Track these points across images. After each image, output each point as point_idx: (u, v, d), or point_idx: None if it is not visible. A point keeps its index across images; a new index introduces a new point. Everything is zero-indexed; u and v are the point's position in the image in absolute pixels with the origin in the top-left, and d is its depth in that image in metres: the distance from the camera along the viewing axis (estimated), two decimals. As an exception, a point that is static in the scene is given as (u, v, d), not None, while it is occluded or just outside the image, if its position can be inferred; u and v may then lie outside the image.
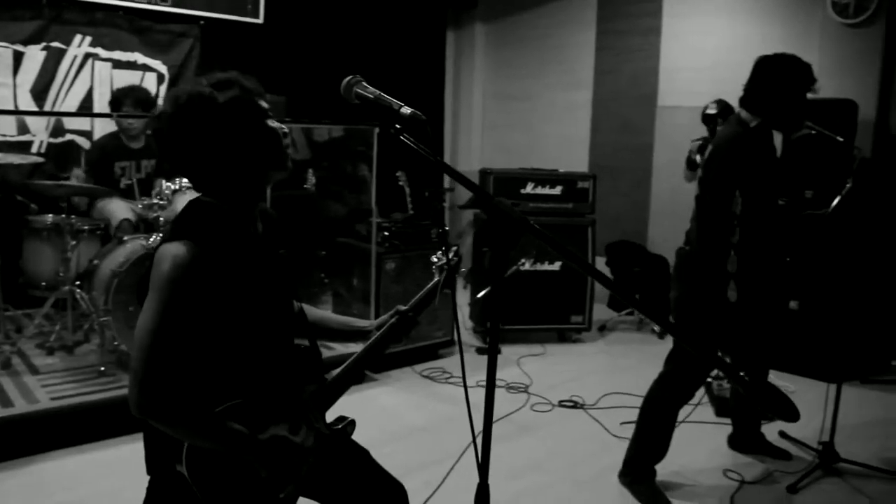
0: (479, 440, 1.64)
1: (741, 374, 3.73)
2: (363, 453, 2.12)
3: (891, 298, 5.35)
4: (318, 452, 1.88)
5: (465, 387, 1.83)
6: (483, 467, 1.59)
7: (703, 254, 3.21)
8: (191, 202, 1.80)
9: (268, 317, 1.84)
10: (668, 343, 5.88)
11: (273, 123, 1.81)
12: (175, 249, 1.63)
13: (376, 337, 2.05)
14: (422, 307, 2.11)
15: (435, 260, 2.17)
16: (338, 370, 1.99)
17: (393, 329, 2.06)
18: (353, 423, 2.01)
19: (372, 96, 1.66)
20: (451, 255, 2.13)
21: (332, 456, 1.99)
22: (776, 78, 3.13)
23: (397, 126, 1.61)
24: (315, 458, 1.86)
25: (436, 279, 2.14)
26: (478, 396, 4.60)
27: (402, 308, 2.09)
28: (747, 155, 3.10)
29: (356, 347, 2.09)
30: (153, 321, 1.60)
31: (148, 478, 1.85)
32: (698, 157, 5.39)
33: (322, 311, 2.24)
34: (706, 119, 5.46)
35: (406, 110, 1.59)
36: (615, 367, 5.36)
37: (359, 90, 1.69)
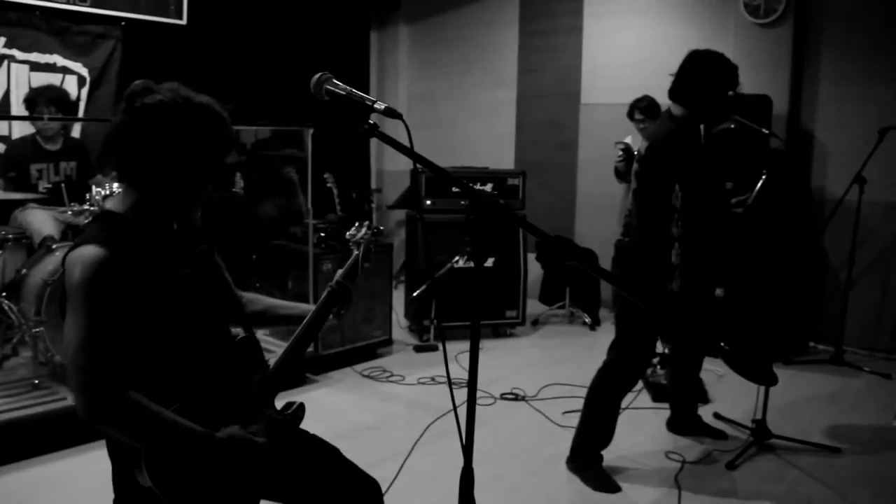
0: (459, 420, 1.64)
1: (722, 345, 3.89)
2: (333, 451, 2.12)
3: (805, 283, 5.66)
4: (274, 439, 1.87)
5: (450, 382, 1.84)
6: (467, 450, 1.63)
7: (645, 247, 3.32)
8: (97, 216, 1.83)
9: (195, 314, 1.83)
10: (599, 334, 6.08)
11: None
12: (83, 252, 1.63)
13: (314, 310, 2.06)
14: (350, 277, 2.12)
15: (349, 236, 2.21)
16: (279, 354, 1.99)
17: (329, 299, 2.06)
18: (302, 407, 2.00)
19: (343, 92, 1.68)
20: (364, 230, 2.19)
21: (299, 456, 1.99)
22: (703, 72, 3.28)
23: (370, 122, 1.63)
24: (272, 446, 1.85)
25: (355, 253, 2.17)
26: (419, 394, 4.68)
27: (333, 282, 2.10)
28: (683, 149, 3.23)
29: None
30: (79, 327, 1.59)
31: (97, 493, 1.82)
32: (623, 165, 5.60)
33: (270, 299, 2.23)
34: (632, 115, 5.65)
35: (380, 105, 1.62)
36: (551, 359, 5.48)
37: (329, 87, 1.70)
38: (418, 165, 1.62)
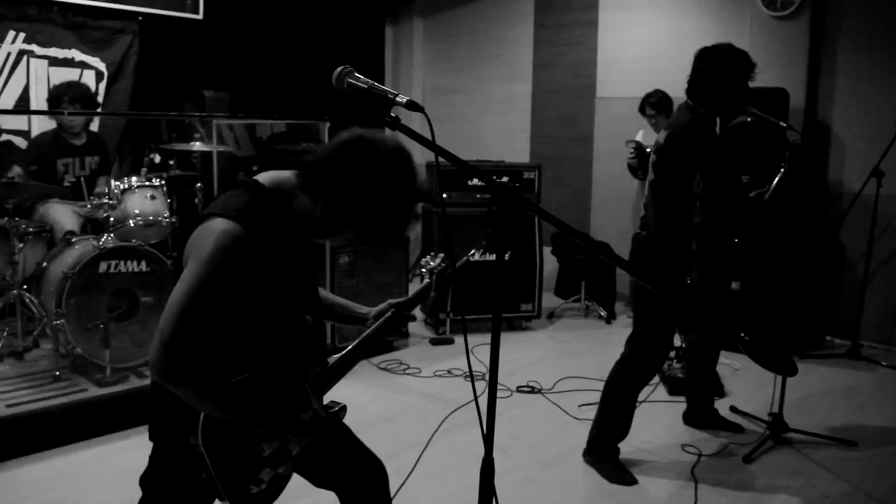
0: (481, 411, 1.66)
1: (742, 336, 3.89)
2: (345, 430, 2.16)
3: (822, 277, 5.64)
4: (315, 433, 1.91)
5: (471, 372, 1.86)
6: (488, 440, 1.64)
7: (663, 236, 3.32)
8: (246, 184, 1.80)
9: (292, 301, 1.90)
10: (614, 328, 6.08)
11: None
12: (223, 226, 1.65)
13: (373, 328, 2.12)
14: (414, 304, 2.19)
15: (423, 262, 2.27)
16: (337, 356, 2.04)
17: (388, 323, 2.13)
18: (344, 409, 2.07)
19: (365, 86, 1.69)
20: (438, 260, 2.25)
21: (325, 438, 2.03)
22: (716, 67, 3.26)
23: (392, 115, 1.65)
24: (312, 438, 1.91)
25: (426, 281, 2.23)
26: (435, 387, 4.70)
27: (396, 302, 2.17)
28: (703, 138, 3.23)
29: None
30: (189, 290, 1.61)
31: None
32: (636, 161, 5.59)
33: (326, 292, 2.28)
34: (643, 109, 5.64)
35: (402, 98, 1.63)
36: (566, 352, 5.49)
37: (351, 80, 1.71)
38: (439, 158, 1.63)
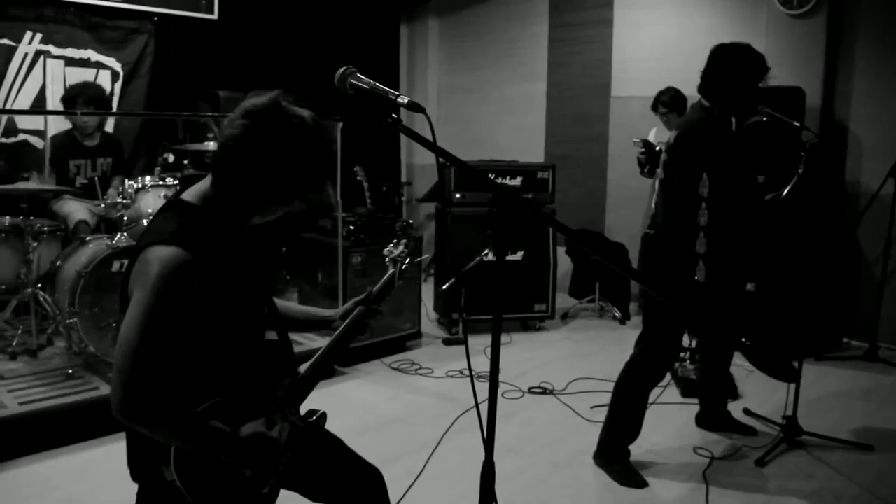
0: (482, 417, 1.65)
1: (743, 341, 3.85)
2: (336, 442, 2.13)
3: (839, 278, 5.57)
4: (295, 446, 1.88)
5: (471, 375, 1.84)
6: (488, 444, 1.63)
7: (670, 236, 3.29)
8: (174, 205, 1.79)
9: (248, 316, 1.85)
10: (629, 328, 6.04)
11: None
12: (165, 253, 1.61)
13: (342, 329, 2.07)
14: (382, 297, 2.15)
15: (386, 252, 2.23)
16: (308, 363, 1.99)
17: (358, 321, 2.09)
18: (324, 416, 2.01)
19: (367, 86, 1.69)
20: (402, 248, 2.21)
21: (308, 448, 2.00)
22: (730, 66, 3.23)
23: (394, 116, 1.64)
24: (292, 451, 1.86)
25: (391, 271, 2.19)
26: (447, 387, 4.69)
27: (360, 298, 2.13)
28: (713, 138, 3.20)
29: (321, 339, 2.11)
30: (138, 325, 1.57)
31: (124, 483, 1.85)
32: (645, 157, 5.52)
33: (285, 302, 2.23)
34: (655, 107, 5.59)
35: (403, 99, 1.62)
36: (580, 352, 5.46)
37: (353, 81, 1.71)
38: (441, 160, 1.62)
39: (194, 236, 1.66)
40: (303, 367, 1.99)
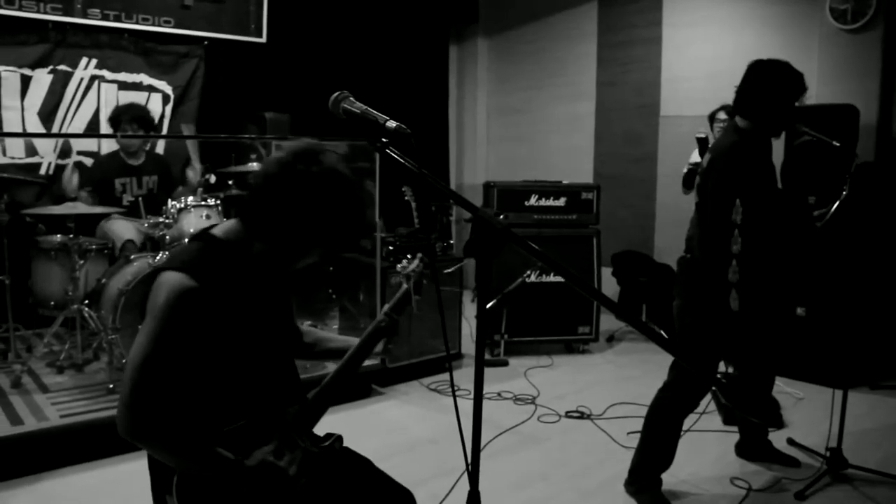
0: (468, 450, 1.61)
1: (720, 378, 3.72)
2: (366, 463, 2.12)
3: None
4: (309, 472, 1.87)
5: (454, 396, 1.81)
6: (473, 475, 1.59)
7: (705, 262, 3.21)
8: (198, 236, 1.84)
9: (268, 348, 1.87)
10: (675, 352, 5.88)
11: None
12: (173, 279, 1.66)
13: (352, 351, 2.05)
14: (399, 311, 2.12)
15: (400, 268, 2.19)
16: (316, 389, 1.98)
17: (375, 333, 2.06)
18: (340, 439, 2.00)
19: (358, 111, 1.69)
20: (416, 263, 2.16)
21: (331, 471, 1.99)
22: (767, 82, 3.14)
23: (383, 140, 1.63)
24: (306, 477, 1.85)
25: (405, 286, 2.14)
26: (483, 410, 4.63)
27: (381, 317, 2.10)
28: (745, 163, 3.10)
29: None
30: (146, 348, 1.62)
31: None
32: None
33: (319, 332, 2.25)
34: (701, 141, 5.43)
35: (391, 124, 1.62)
36: (623, 377, 5.36)
37: (346, 105, 1.72)
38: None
39: (208, 267, 1.71)
40: (311, 393, 1.99)
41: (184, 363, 1.65)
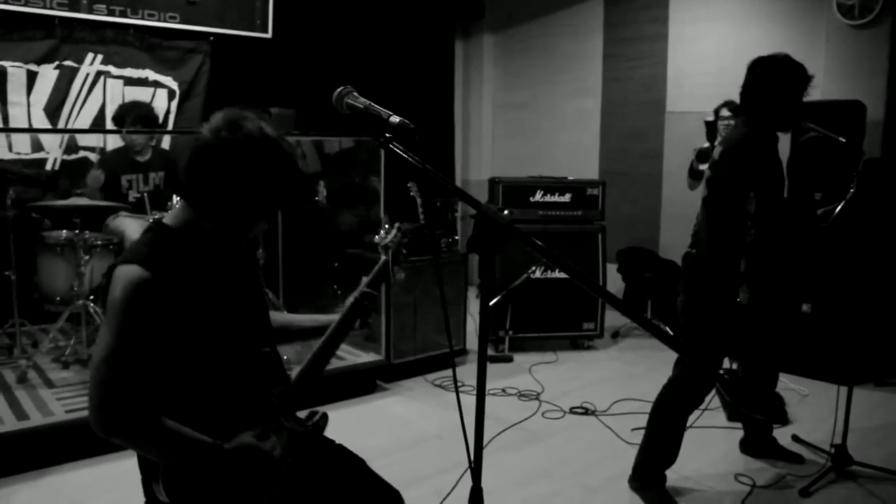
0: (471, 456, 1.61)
1: (722, 374, 3.72)
2: (358, 462, 2.12)
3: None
4: (295, 451, 1.87)
5: (457, 391, 1.81)
6: (476, 471, 1.59)
7: (713, 255, 3.20)
8: (150, 227, 1.84)
9: (234, 332, 1.86)
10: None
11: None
12: (127, 272, 1.65)
13: (333, 327, 2.04)
14: (377, 284, 2.10)
15: (378, 239, 2.17)
16: (299, 368, 1.99)
17: (353, 310, 2.05)
18: (325, 416, 1.99)
19: (362, 106, 1.69)
20: (394, 233, 2.15)
21: (320, 460, 1.99)
22: (770, 78, 3.14)
23: (387, 135, 1.63)
24: (293, 457, 1.85)
25: (383, 258, 2.13)
26: (487, 405, 4.61)
27: (357, 293, 2.09)
28: (759, 155, 3.10)
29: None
30: (109, 343, 1.62)
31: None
32: (701, 167, 5.34)
33: (288, 315, 2.25)
34: (709, 125, 5.41)
35: (394, 119, 1.61)
36: (627, 373, 5.35)
37: (349, 101, 1.72)
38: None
39: (160, 255, 1.71)
40: (293, 373, 1.99)
41: (149, 354, 1.65)
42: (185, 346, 1.73)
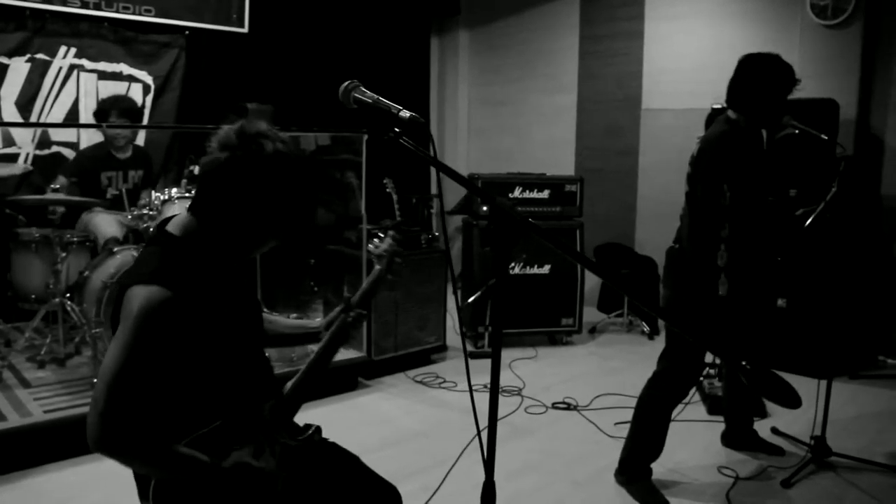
0: (482, 439, 1.62)
1: (742, 362, 3.75)
2: (353, 459, 2.11)
3: (875, 295, 5.42)
4: (289, 466, 1.85)
5: (471, 388, 1.82)
6: (489, 464, 1.60)
7: (693, 249, 3.25)
8: (157, 239, 1.80)
9: (237, 343, 1.84)
10: (658, 343, 5.92)
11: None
12: (146, 293, 1.61)
13: (324, 341, 2.02)
14: (368, 298, 2.08)
15: (372, 248, 2.15)
16: (292, 381, 1.96)
17: (341, 330, 2.02)
18: (318, 430, 1.96)
19: (370, 101, 1.68)
20: (389, 242, 2.12)
21: (315, 465, 1.97)
22: (758, 76, 3.19)
23: (396, 129, 1.62)
24: (287, 472, 1.83)
25: (377, 268, 2.11)
26: (468, 400, 4.63)
27: (350, 301, 2.06)
28: (734, 150, 3.14)
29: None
30: (119, 360, 1.58)
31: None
32: None
33: (271, 316, 2.22)
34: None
35: (405, 114, 1.61)
36: (606, 368, 5.39)
37: (357, 95, 1.71)
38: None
39: (176, 272, 1.67)
40: (286, 387, 1.95)
41: (158, 374, 1.62)
42: (192, 361, 1.70)
